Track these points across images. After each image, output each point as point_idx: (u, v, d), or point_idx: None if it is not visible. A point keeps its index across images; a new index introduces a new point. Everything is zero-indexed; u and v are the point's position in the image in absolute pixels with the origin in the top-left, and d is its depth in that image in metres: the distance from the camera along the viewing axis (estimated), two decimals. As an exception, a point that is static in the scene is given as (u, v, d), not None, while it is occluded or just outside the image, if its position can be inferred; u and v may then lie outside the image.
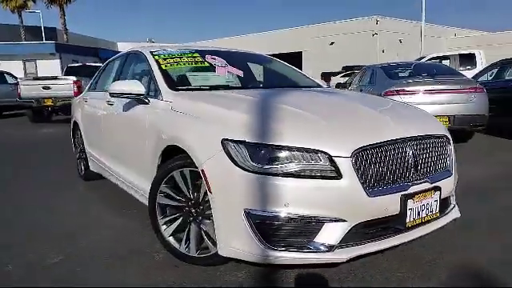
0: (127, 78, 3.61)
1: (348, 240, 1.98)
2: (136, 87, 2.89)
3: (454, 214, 2.45)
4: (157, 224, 2.53)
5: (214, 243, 2.26)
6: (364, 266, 2.32)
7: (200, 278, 2.27)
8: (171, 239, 2.49)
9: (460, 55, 12.10)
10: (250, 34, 34.55)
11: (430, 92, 6.16)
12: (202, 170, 2.13)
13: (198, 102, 2.56)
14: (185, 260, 2.42)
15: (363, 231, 2.01)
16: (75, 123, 4.72)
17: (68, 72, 13.55)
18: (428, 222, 2.20)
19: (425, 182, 2.16)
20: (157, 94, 2.86)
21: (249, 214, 1.97)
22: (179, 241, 2.46)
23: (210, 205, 2.24)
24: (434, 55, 12.37)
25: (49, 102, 11.52)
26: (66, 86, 11.41)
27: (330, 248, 1.95)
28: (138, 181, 2.99)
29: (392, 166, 2.06)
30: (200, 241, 2.37)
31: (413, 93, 6.15)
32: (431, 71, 6.79)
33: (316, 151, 1.94)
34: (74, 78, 11.50)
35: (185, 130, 2.36)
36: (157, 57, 3.22)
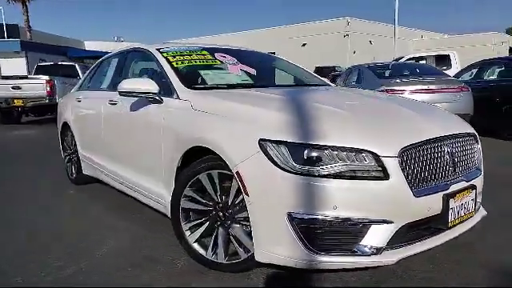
0: (131, 77, 3.44)
1: (394, 242, 1.92)
2: (149, 85, 2.73)
3: (482, 211, 2.45)
4: (180, 230, 2.40)
5: (245, 249, 2.17)
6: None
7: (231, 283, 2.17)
8: (196, 245, 2.37)
9: (436, 56, 12.49)
10: (225, 34, 34.39)
11: (418, 91, 6.27)
12: (237, 172, 2.03)
13: (224, 100, 2.45)
14: (212, 267, 2.30)
15: (407, 232, 1.96)
16: (65, 124, 4.46)
17: (38, 71, 12.93)
18: (464, 220, 2.19)
19: (462, 181, 2.14)
20: (170, 92, 2.73)
21: (292, 218, 1.88)
22: (204, 247, 2.35)
23: (240, 208, 2.17)
24: (412, 56, 12.71)
25: (19, 103, 10.86)
26: (37, 85, 10.82)
27: (378, 251, 1.89)
28: (149, 184, 2.83)
29: (433, 165, 2.03)
30: (228, 246, 2.27)
31: (401, 92, 6.24)
32: (418, 71, 6.93)
33: (363, 151, 1.87)
34: (47, 78, 10.94)
35: (213, 130, 2.24)
36: (165, 54, 3.08)
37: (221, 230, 2.27)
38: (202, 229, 2.34)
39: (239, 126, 2.13)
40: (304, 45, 28.52)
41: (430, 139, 2.05)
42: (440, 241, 2.05)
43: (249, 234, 2.15)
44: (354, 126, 2.03)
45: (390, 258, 1.90)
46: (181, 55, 3.09)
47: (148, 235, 2.87)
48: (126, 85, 2.78)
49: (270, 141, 1.95)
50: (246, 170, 2.00)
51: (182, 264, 2.41)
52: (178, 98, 2.64)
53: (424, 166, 1.99)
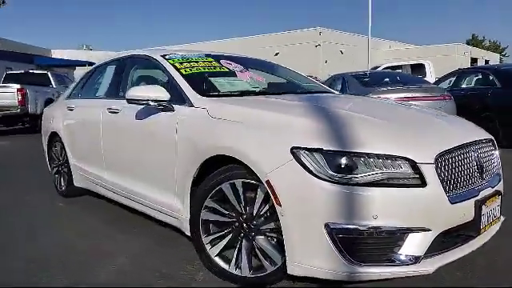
0: (130, 84, 3.31)
1: (431, 250, 1.89)
2: (160, 93, 2.62)
3: (502, 217, 2.48)
4: (201, 243, 2.29)
5: (272, 261, 2.09)
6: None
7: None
8: (217, 259, 2.26)
9: (411, 65, 12.88)
10: (196, 43, 34.22)
11: (403, 99, 6.38)
12: (268, 182, 1.95)
13: (246, 107, 2.37)
14: (236, 281, 2.20)
15: (442, 240, 1.94)
16: (54, 134, 4.23)
17: (7, 79, 12.36)
18: (492, 226, 2.19)
19: (488, 187, 2.14)
20: (182, 100, 2.62)
21: (331, 228, 1.82)
22: (227, 260, 2.24)
23: (266, 219, 2.10)
24: (389, 65, 13.05)
25: None
26: (8, 94, 10.32)
27: (416, 260, 1.85)
28: (159, 196, 2.70)
29: (463, 171, 2.02)
30: (251, 259, 2.17)
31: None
32: (399, 79, 7.08)
33: (399, 158, 1.84)
34: (18, 86, 10.46)
35: (238, 138, 2.15)
36: (171, 61, 2.97)
37: (245, 242, 2.17)
38: (225, 241, 2.23)
39: (268, 134, 2.05)
40: (276, 54, 28.76)
41: (459, 145, 2.05)
42: (471, 248, 2.04)
43: (275, 246, 2.09)
44: (389, 133, 2.00)
45: (429, 266, 1.87)
46: (188, 62, 2.99)
47: (156, 249, 2.73)
48: (136, 92, 2.65)
49: (304, 149, 1.88)
50: (278, 180, 1.92)
51: (201, 280, 2.29)
52: (191, 105, 2.54)
53: (456, 172, 1.98)
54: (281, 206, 1.91)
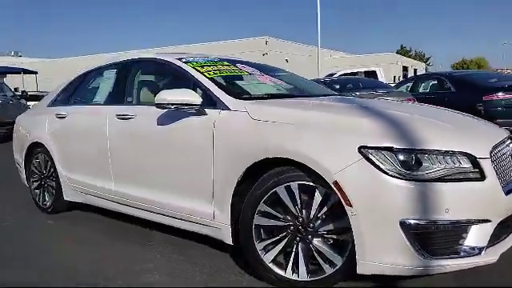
0: (137, 89, 3.15)
1: (492, 240, 1.98)
2: (193, 97, 2.51)
3: None
4: (253, 250, 2.20)
5: (331, 263, 2.07)
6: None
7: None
8: (272, 265, 2.19)
9: (365, 72, 13.54)
10: (139, 50, 33.15)
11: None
12: (335, 182, 1.94)
13: (293, 109, 2.36)
14: (294, 287, 2.14)
15: (499, 230, 2.03)
16: (36, 145, 3.86)
17: None
18: None
19: None
20: (212, 103, 2.53)
21: (406, 224, 1.84)
22: (281, 266, 2.18)
23: (323, 220, 2.08)
24: (343, 72, 13.61)
25: None
26: None
27: (480, 250, 1.93)
28: (188, 204, 2.56)
29: (506, 164, 2.14)
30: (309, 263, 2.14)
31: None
32: (367, 85, 7.40)
33: (461, 154, 1.92)
34: None
35: (294, 140, 2.12)
36: (191, 65, 2.86)
37: (302, 245, 2.13)
38: (280, 246, 2.17)
39: (329, 135, 2.04)
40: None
41: (500, 141, 2.18)
42: None
43: (334, 248, 2.07)
44: (447, 131, 2.09)
45: (492, 255, 1.95)
46: (208, 66, 2.89)
47: (180, 260, 2.59)
48: (169, 96, 2.51)
49: (373, 148, 1.90)
50: (347, 180, 1.92)
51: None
52: (226, 109, 2.46)
53: (502, 165, 2.10)
54: (352, 206, 1.91)
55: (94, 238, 3.09)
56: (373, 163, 1.89)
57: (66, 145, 3.56)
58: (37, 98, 10.47)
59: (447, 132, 2.10)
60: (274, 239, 2.19)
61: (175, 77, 2.97)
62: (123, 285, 2.18)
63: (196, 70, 2.79)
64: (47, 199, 3.81)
